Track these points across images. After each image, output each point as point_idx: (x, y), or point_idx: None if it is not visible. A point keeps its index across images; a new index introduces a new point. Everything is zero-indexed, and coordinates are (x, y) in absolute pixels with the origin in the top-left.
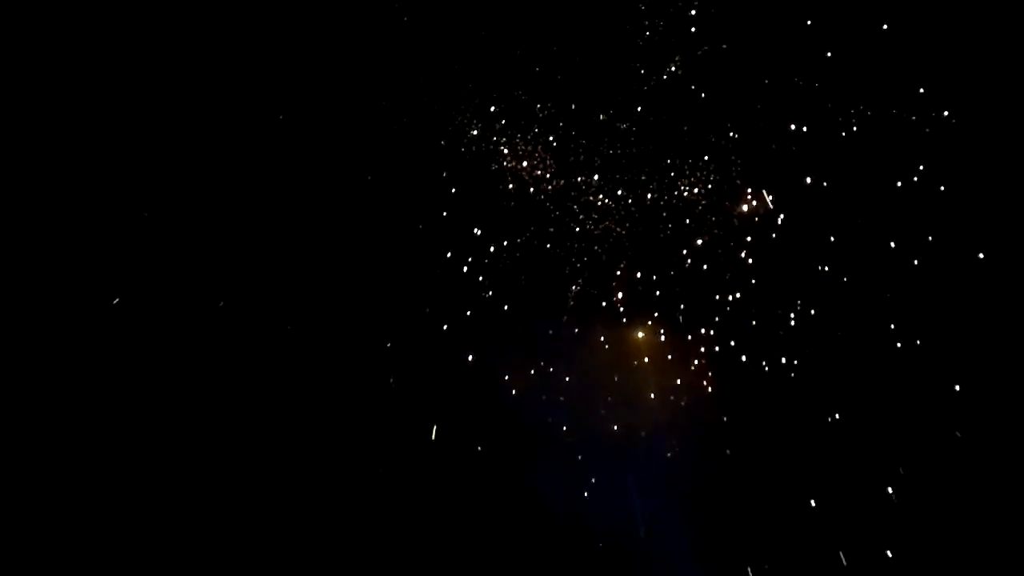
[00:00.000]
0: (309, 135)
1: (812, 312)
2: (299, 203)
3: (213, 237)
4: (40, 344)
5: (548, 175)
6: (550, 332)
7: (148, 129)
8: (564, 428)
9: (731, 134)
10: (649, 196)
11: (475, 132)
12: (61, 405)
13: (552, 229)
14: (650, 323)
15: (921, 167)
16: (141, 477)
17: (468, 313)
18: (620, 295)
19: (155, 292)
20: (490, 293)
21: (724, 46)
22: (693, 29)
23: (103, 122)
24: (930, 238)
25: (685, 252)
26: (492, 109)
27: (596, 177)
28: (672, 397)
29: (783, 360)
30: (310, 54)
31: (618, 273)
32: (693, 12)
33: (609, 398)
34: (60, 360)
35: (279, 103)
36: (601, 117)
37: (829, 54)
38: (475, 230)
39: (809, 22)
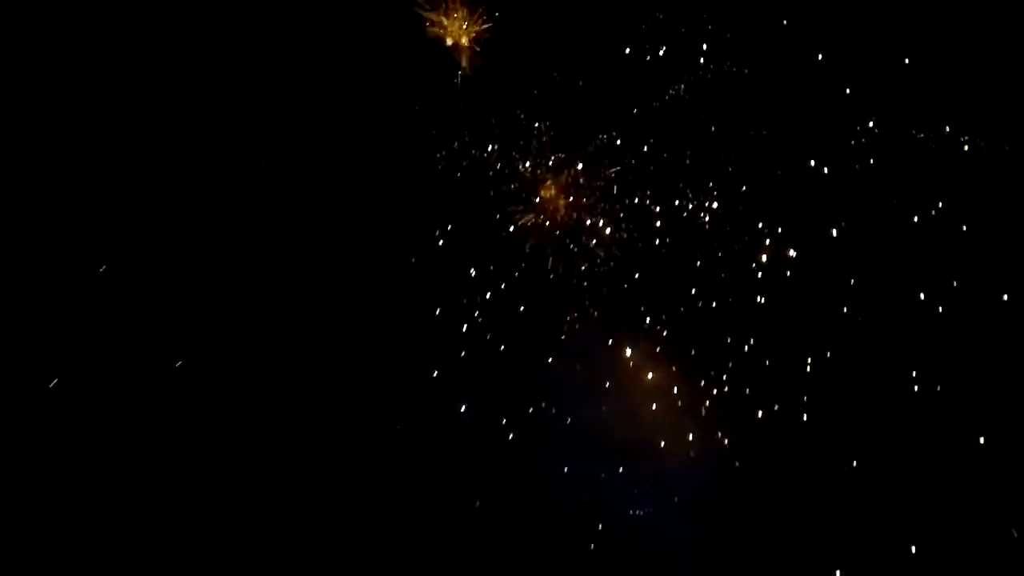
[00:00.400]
0: (309, 164)
1: (828, 356)
2: (299, 231)
3: (215, 257)
4: (39, 344)
5: (550, 202)
6: (551, 371)
7: (145, 135)
8: (566, 469)
9: (741, 167)
10: (654, 225)
11: (474, 155)
12: (61, 405)
13: (551, 252)
14: (659, 365)
15: (942, 203)
16: (141, 479)
17: (463, 353)
18: (625, 333)
19: (155, 305)
20: (489, 335)
21: (734, 69)
22: (701, 58)
23: (103, 122)
24: (954, 282)
25: (695, 292)
26: (494, 133)
27: (601, 205)
28: (682, 443)
29: (797, 406)
30: (312, 78)
31: (618, 299)
32: (699, 34)
33: (615, 442)
34: (59, 360)
35: (279, 131)
36: (604, 138)
37: (848, 90)
38: (473, 262)
39: (824, 51)
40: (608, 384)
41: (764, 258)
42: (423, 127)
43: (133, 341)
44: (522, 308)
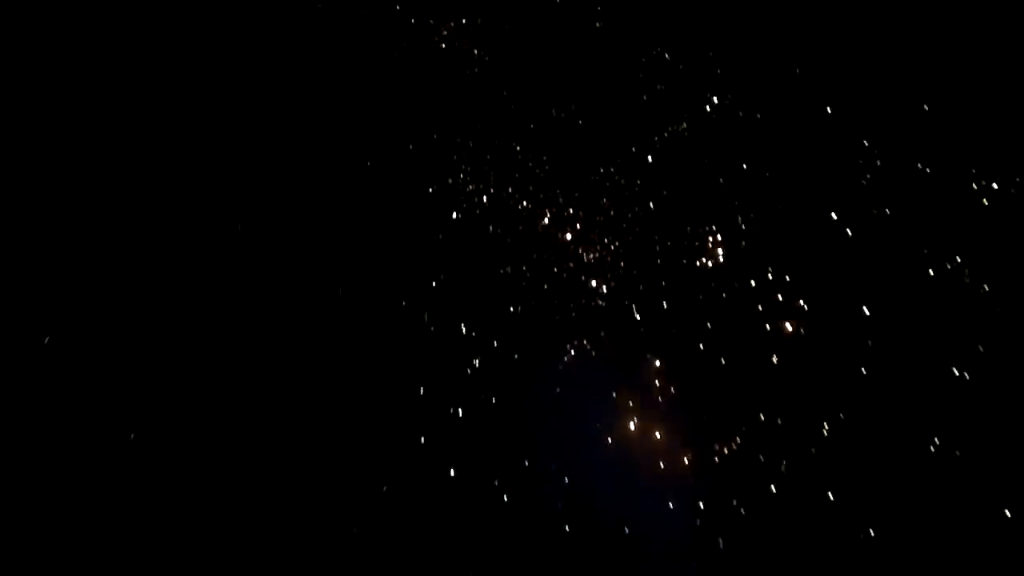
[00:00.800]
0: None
1: (846, 421)
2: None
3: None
4: (39, 344)
5: (547, 238)
6: (547, 425)
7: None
8: (567, 528)
9: (750, 212)
10: (657, 265)
11: (470, 189)
12: (61, 405)
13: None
14: (664, 423)
15: (968, 258)
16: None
17: (451, 410)
18: (627, 386)
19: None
20: (482, 394)
21: (740, 113)
22: (707, 105)
23: (101, 122)
24: (980, 347)
25: (703, 346)
26: (489, 167)
27: (601, 242)
28: (689, 508)
29: (813, 475)
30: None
31: (619, 345)
32: (704, 72)
33: (616, 503)
34: (59, 360)
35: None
36: (601, 171)
37: (864, 141)
38: (464, 312)
39: (838, 93)
40: (609, 440)
41: (775, 312)
42: (414, 161)
43: (131, 342)
44: (516, 355)
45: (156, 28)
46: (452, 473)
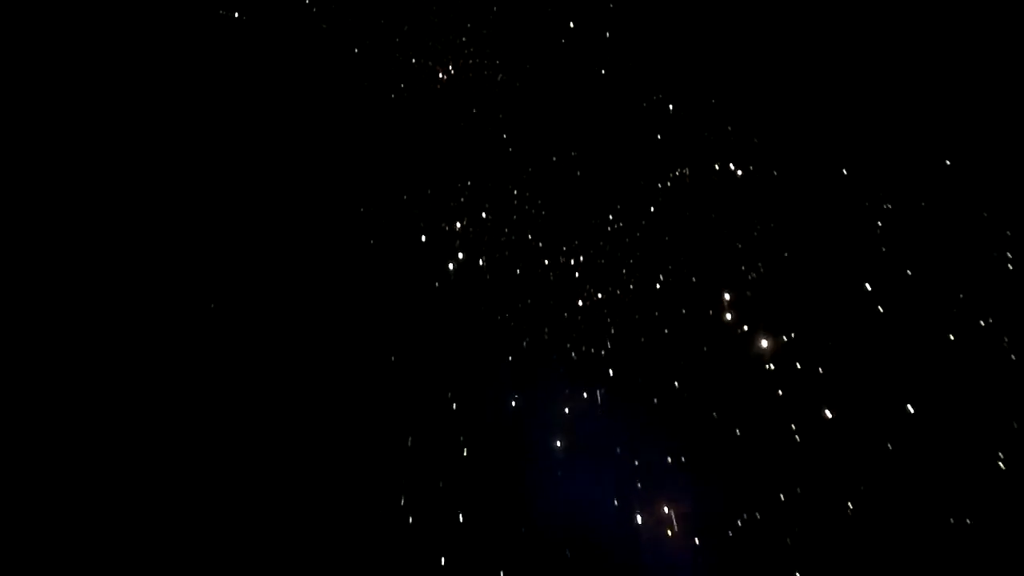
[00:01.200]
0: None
1: (871, 498)
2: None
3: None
4: (40, 344)
5: (542, 289)
6: (545, 490)
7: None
8: None
9: (758, 262)
10: (659, 318)
11: (467, 239)
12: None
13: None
14: (674, 496)
15: (987, 321)
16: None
17: (442, 477)
18: (630, 447)
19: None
20: (476, 453)
21: (750, 168)
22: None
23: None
24: (1014, 423)
25: (714, 413)
26: (485, 212)
27: (599, 296)
28: None
29: (838, 557)
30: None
31: (623, 402)
32: (706, 117)
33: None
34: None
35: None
36: (601, 218)
37: (882, 193)
38: (458, 364)
39: (843, 139)
40: (615, 502)
41: (791, 377)
42: (410, 208)
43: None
44: (512, 402)
45: (152, 49)
46: (443, 559)
